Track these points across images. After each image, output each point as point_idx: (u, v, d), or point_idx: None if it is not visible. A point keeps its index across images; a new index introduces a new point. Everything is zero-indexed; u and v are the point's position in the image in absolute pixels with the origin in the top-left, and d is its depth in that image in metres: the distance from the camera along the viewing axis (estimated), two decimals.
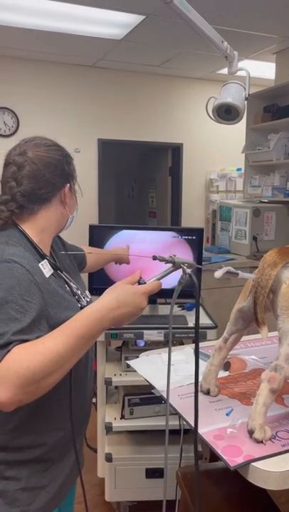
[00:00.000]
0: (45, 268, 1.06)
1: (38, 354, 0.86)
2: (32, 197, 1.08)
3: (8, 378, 0.83)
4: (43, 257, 1.08)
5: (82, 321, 0.91)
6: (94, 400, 2.04)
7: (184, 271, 0.96)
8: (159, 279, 1.00)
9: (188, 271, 0.95)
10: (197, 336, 0.93)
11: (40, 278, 1.00)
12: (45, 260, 1.07)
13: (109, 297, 0.94)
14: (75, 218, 1.21)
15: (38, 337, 0.92)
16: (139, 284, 0.98)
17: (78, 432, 1.16)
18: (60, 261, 1.24)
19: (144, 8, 3.05)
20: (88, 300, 1.22)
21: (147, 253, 2.20)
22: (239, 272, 1.11)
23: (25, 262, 0.98)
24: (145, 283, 0.99)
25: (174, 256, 0.98)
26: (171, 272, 1.00)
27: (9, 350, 0.86)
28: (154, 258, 0.97)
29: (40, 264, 1.04)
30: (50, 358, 0.86)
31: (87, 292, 1.26)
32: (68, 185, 1.15)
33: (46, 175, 1.09)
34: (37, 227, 1.10)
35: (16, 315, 0.91)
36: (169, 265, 0.99)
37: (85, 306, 1.13)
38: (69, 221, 1.20)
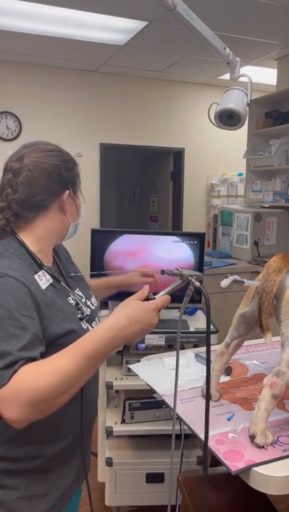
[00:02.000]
0: (42, 279, 1.02)
1: (46, 375, 0.86)
2: (26, 204, 1.05)
3: (18, 399, 0.83)
4: (41, 267, 1.04)
5: (92, 340, 0.90)
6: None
7: (192, 284, 0.95)
8: (167, 293, 1.00)
9: (198, 284, 0.94)
10: (208, 354, 0.89)
11: (36, 290, 0.97)
12: (43, 271, 1.03)
13: (120, 315, 0.93)
14: (79, 226, 1.18)
15: (41, 352, 0.91)
16: (148, 299, 0.98)
17: (86, 440, 1.13)
18: (66, 268, 1.19)
19: (147, 15, 3.07)
20: (94, 308, 1.17)
21: (150, 258, 2.21)
22: (245, 280, 1.11)
23: (19, 274, 0.95)
24: (154, 298, 0.98)
25: (182, 268, 0.97)
26: (180, 285, 1.00)
27: (16, 370, 0.85)
28: (163, 272, 0.98)
29: (36, 276, 1.01)
30: (59, 378, 0.86)
31: (93, 299, 1.21)
32: (68, 192, 1.10)
33: (42, 182, 1.05)
34: (35, 236, 1.06)
35: (15, 331, 0.89)
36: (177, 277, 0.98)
37: (87, 316, 1.10)
38: (71, 229, 1.14)
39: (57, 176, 1.07)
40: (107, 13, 3.07)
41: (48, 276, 1.04)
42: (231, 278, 1.06)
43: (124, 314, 0.93)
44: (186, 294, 0.97)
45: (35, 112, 4.47)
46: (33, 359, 0.89)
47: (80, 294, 1.16)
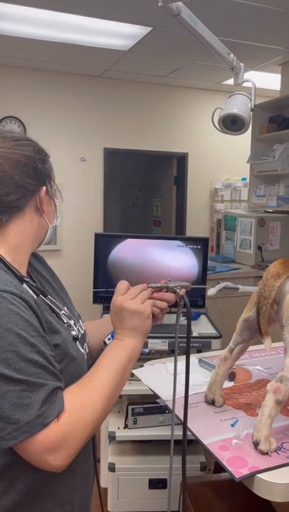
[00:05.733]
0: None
1: (94, 391, 0.82)
2: None
3: (76, 432, 0.78)
4: (21, 280, 0.87)
5: (121, 353, 0.89)
6: None
7: (177, 294, 0.97)
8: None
9: (181, 293, 0.96)
10: (188, 361, 0.91)
11: (32, 301, 0.85)
12: (24, 285, 0.87)
13: (122, 332, 0.92)
14: (63, 230, 1.04)
15: (59, 371, 0.83)
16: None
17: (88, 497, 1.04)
18: (41, 281, 1.01)
19: (151, 20, 3.09)
20: (82, 333, 1.02)
21: (154, 263, 2.20)
22: (239, 286, 1.11)
23: (12, 287, 0.81)
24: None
25: (169, 281, 0.98)
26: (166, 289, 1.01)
27: (60, 405, 0.78)
28: (147, 286, 0.97)
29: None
30: (106, 391, 0.83)
31: (81, 323, 1.05)
32: (45, 188, 0.92)
33: (14, 176, 0.87)
34: (8, 244, 0.89)
35: (35, 357, 0.78)
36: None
37: (77, 337, 0.97)
38: (48, 233, 0.97)
39: (32, 168, 0.90)
40: (112, 18, 3.09)
41: (30, 292, 0.88)
42: (220, 285, 1.07)
43: (124, 329, 0.92)
44: (178, 305, 0.98)
45: (40, 116, 4.49)
46: (60, 385, 0.81)
47: (66, 313, 1.00)
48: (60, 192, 1.01)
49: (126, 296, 0.93)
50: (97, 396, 0.82)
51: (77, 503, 0.95)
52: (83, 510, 1.00)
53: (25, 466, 0.81)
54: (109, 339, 0.99)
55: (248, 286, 1.11)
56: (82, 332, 1.02)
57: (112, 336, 0.97)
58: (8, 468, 0.84)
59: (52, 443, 0.76)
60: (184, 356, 1.59)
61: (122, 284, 0.95)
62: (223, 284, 1.05)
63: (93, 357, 0.99)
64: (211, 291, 1.05)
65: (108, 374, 0.85)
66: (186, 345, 0.93)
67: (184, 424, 0.96)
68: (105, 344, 0.98)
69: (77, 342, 0.97)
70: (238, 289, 1.08)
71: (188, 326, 0.94)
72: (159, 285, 0.98)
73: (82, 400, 0.81)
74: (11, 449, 0.78)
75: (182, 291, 0.96)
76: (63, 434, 0.77)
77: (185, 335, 0.91)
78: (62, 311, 0.98)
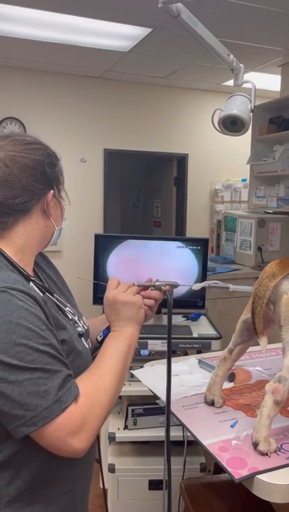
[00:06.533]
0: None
1: (104, 376, 0.87)
2: (5, 208, 0.89)
3: (94, 413, 0.82)
4: (28, 279, 0.90)
5: (121, 343, 0.94)
6: None
7: (161, 290, 1.02)
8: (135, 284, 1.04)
9: (164, 288, 1.02)
10: (169, 359, 0.94)
11: (39, 298, 0.88)
12: (31, 283, 0.90)
13: (118, 324, 0.96)
14: (62, 231, 1.02)
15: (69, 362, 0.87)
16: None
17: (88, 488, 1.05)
18: (46, 279, 1.04)
19: (151, 21, 3.09)
20: (86, 329, 1.06)
21: (154, 264, 2.20)
22: (230, 285, 1.13)
23: (19, 285, 0.84)
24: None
25: (157, 280, 1.04)
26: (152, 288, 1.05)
27: (76, 385, 0.82)
28: (133, 285, 1.02)
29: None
30: (114, 375, 0.88)
31: (84, 319, 1.09)
32: (52, 191, 0.95)
33: (22, 180, 0.89)
34: (14, 245, 0.91)
35: (46, 348, 0.81)
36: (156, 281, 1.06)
37: (82, 333, 1.01)
38: (55, 235, 0.99)
39: (40, 173, 0.91)
40: (112, 20, 3.09)
41: (37, 290, 0.91)
42: (207, 282, 1.10)
43: (120, 320, 0.97)
44: (168, 305, 1.02)
45: (40, 117, 4.50)
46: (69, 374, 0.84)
47: (71, 310, 1.04)
48: (68, 196, 1.03)
49: (118, 290, 0.98)
50: (108, 379, 0.87)
51: (79, 491, 0.99)
52: (84, 499, 1.03)
53: (32, 455, 0.86)
54: (100, 336, 1.04)
55: (239, 286, 1.12)
56: (86, 328, 1.06)
57: (104, 334, 1.02)
58: (15, 457, 0.86)
59: (74, 426, 0.79)
60: (183, 357, 1.59)
61: (112, 280, 1.01)
62: (210, 282, 1.08)
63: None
64: (195, 286, 1.09)
65: (113, 360, 0.90)
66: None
67: (166, 423, 0.96)
68: (97, 341, 1.04)
69: (82, 338, 1.00)
70: (228, 288, 1.09)
71: (169, 320, 0.99)
72: (145, 283, 1.04)
73: (95, 384, 0.85)
74: (20, 438, 0.80)
75: (167, 288, 1.02)
76: (84, 416, 0.81)
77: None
78: (67, 308, 1.01)
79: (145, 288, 1.03)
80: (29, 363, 0.78)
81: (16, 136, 0.93)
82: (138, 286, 1.02)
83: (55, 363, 0.81)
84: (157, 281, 1.04)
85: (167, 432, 1.00)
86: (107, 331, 1.00)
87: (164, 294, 1.02)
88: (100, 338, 1.04)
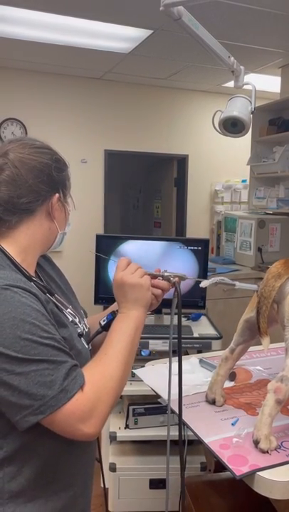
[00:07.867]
0: None
1: (110, 362, 0.89)
2: (10, 206, 0.91)
3: (102, 399, 0.84)
4: (29, 279, 0.92)
5: (126, 328, 0.95)
6: None
7: (170, 281, 1.02)
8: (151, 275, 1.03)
9: (173, 280, 1.02)
10: (180, 354, 0.94)
11: (41, 297, 0.90)
12: (32, 284, 0.92)
13: (126, 305, 0.98)
14: (66, 236, 1.04)
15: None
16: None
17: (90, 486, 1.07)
18: (48, 281, 1.06)
19: (152, 23, 3.10)
20: (86, 331, 1.07)
21: (154, 264, 2.21)
22: (236, 282, 1.13)
23: (21, 283, 0.86)
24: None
25: (165, 271, 1.04)
26: (160, 277, 1.05)
27: (81, 374, 0.84)
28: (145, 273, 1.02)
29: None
30: (121, 360, 0.89)
31: (85, 321, 1.10)
32: (57, 195, 0.97)
33: (29, 181, 0.92)
34: (18, 245, 0.94)
35: (51, 342, 0.84)
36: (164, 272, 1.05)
37: (82, 333, 1.02)
38: (58, 238, 1.01)
39: (46, 175, 0.95)
40: (113, 21, 3.10)
41: (39, 291, 0.92)
42: (215, 279, 1.10)
43: (127, 302, 0.98)
44: (172, 300, 1.01)
45: (41, 118, 4.51)
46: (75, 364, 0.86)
47: (72, 311, 1.05)
48: (74, 201, 1.05)
49: (126, 272, 0.99)
50: (115, 365, 0.89)
51: (80, 486, 1.00)
52: (86, 493, 1.04)
53: (34, 452, 0.88)
54: (104, 320, 1.05)
55: (245, 284, 1.12)
56: (87, 330, 1.08)
57: (108, 319, 1.04)
58: (18, 453, 0.88)
59: (82, 412, 0.82)
60: (185, 357, 1.59)
61: (122, 261, 1.02)
62: (218, 278, 1.07)
63: (91, 337, 1.08)
64: (204, 283, 1.08)
65: (120, 345, 0.92)
66: (181, 344, 0.95)
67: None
68: (100, 325, 1.06)
69: (82, 338, 1.02)
70: (234, 285, 1.10)
71: (179, 312, 0.98)
72: (154, 272, 1.03)
73: (101, 370, 0.88)
74: (22, 434, 0.84)
75: (176, 280, 1.02)
76: (91, 402, 0.83)
77: (184, 335, 0.94)
78: (68, 309, 1.03)
79: (154, 277, 1.03)
80: (35, 355, 0.81)
81: (26, 140, 0.97)
82: (148, 274, 1.02)
83: (60, 355, 0.84)
84: (165, 271, 1.04)
85: (179, 426, 1.01)
86: (111, 315, 1.03)
87: (172, 285, 1.02)
88: (103, 323, 1.06)
